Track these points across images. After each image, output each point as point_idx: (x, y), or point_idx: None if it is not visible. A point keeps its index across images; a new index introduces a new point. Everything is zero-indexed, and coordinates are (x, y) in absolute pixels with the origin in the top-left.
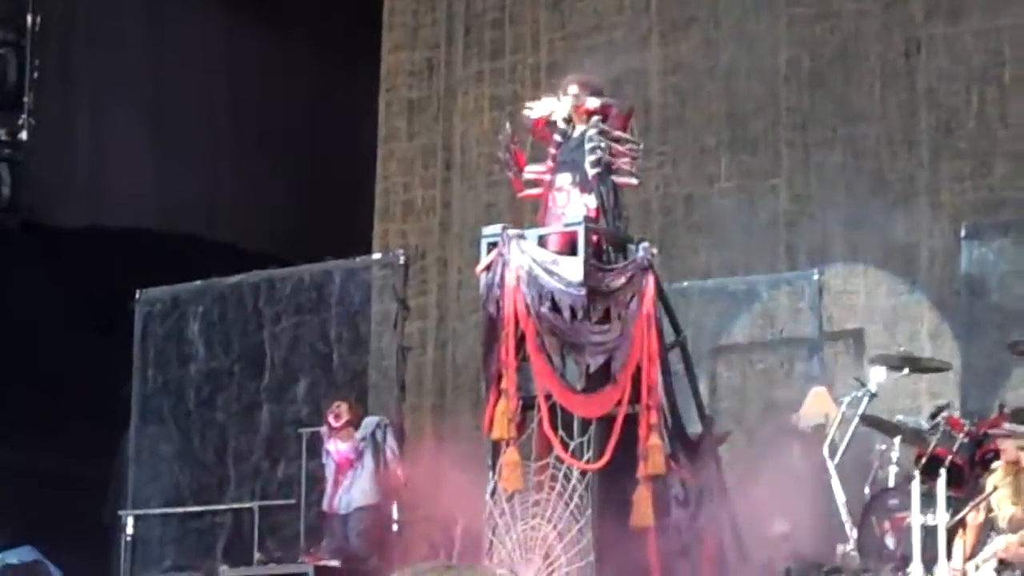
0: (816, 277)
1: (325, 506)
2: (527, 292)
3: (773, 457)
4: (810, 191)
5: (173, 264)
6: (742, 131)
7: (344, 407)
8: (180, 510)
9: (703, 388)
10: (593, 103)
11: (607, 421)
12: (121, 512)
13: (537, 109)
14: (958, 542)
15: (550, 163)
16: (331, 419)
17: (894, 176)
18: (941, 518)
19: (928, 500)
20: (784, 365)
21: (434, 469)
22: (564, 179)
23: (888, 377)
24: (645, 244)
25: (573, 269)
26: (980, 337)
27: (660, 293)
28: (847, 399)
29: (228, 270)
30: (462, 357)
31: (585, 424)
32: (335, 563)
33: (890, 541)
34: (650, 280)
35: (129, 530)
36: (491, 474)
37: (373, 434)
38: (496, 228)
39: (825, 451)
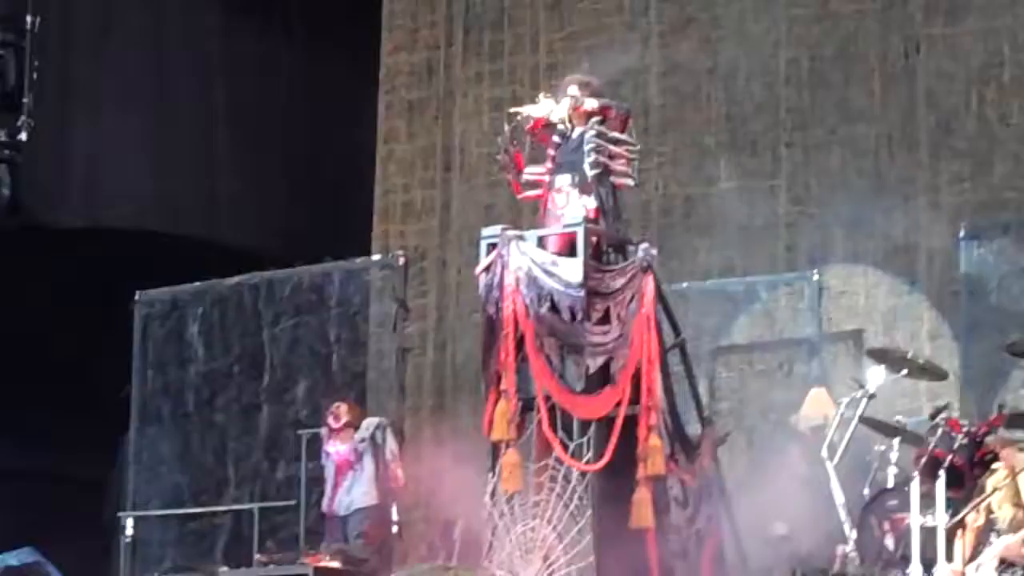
0: (815, 278)
1: (325, 507)
2: (526, 293)
3: (772, 458)
4: (810, 192)
5: (172, 265)
6: (741, 132)
7: (344, 408)
8: (180, 511)
9: (702, 389)
10: (592, 104)
11: (607, 422)
12: (121, 513)
13: (534, 110)
14: (958, 543)
15: (549, 164)
16: (331, 420)
17: (893, 176)
18: (940, 519)
19: (927, 501)
20: (783, 366)
21: (434, 470)
22: (563, 180)
23: (887, 378)
24: (644, 245)
25: (572, 270)
26: (980, 338)
27: (659, 294)
28: (846, 400)
29: (227, 271)
30: (461, 358)
31: (585, 425)
32: (335, 564)
33: (889, 542)
34: (649, 281)
35: (129, 531)
36: (491, 475)
37: (373, 435)
38: (495, 229)
39: (824, 452)
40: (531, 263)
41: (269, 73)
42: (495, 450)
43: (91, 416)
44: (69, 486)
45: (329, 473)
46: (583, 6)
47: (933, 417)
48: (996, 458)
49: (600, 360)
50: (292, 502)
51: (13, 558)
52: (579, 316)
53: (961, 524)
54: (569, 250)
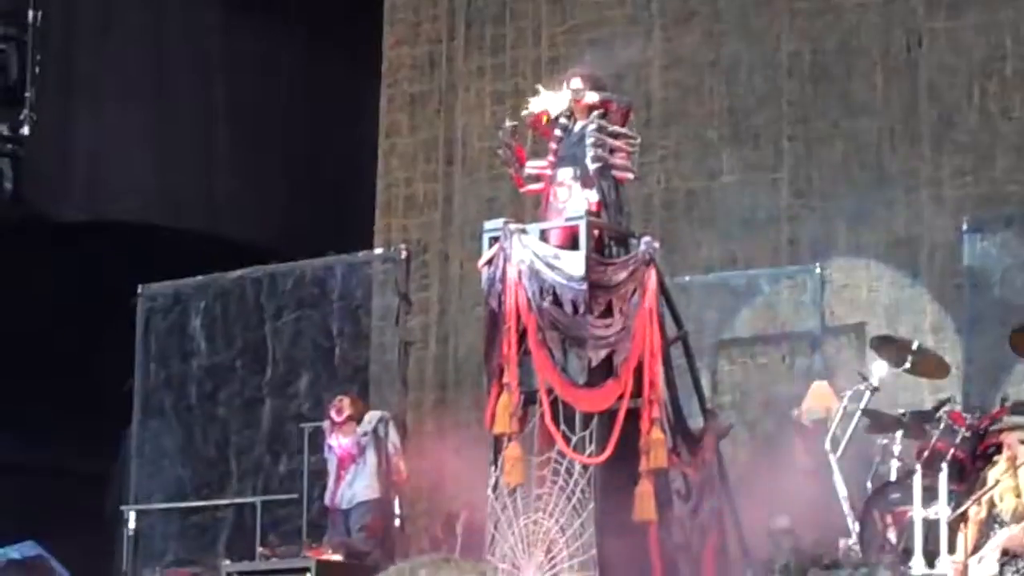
0: (818, 271)
1: (327, 501)
2: (529, 286)
3: (775, 451)
4: (812, 185)
5: (175, 259)
6: (744, 125)
7: (346, 402)
8: (182, 505)
9: (705, 382)
10: (592, 98)
11: (609, 415)
12: (123, 507)
13: (536, 104)
14: (960, 536)
15: (551, 158)
16: (333, 414)
17: (896, 170)
18: (943, 512)
19: (930, 494)
20: (786, 359)
21: (436, 464)
22: (565, 174)
23: (890, 371)
24: (647, 238)
25: (575, 263)
26: (982, 331)
27: (662, 287)
28: (849, 393)
29: (230, 265)
30: (464, 351)
31: (587, 418)
32: (337, 558)
33: (892, 535)
34: (652, 274)
35: (131, 525)
36: (493, 468)
37: (375, 429)
38: (498, 222)
39: (827, 445)
40: (533, 256)
41: (270, 67)
42: (497, 443)
43: (93, 410)
44: (71, 480)
45: (331, 467)
46: None
47: (936, 410)
48: (998, 450)
49: (602, 353)
50: (294, 496)
51: (15, 552)
52: (581, 309)
53: (963, 517)
54: (571, 243)
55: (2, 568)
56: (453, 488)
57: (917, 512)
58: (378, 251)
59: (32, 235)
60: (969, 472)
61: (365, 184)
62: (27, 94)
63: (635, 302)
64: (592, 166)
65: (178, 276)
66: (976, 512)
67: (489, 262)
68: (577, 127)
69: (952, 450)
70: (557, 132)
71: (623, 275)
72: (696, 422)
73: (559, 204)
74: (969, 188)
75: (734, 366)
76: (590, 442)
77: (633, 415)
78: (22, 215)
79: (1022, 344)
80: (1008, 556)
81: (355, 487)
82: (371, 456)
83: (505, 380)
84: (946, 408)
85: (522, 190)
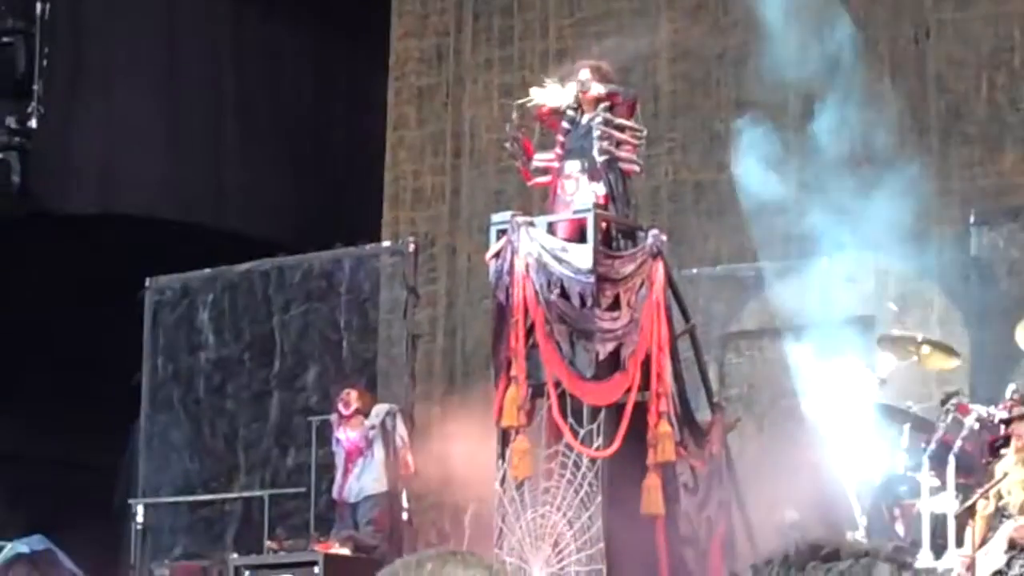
0: (825, 264)
1: (335, 494)
2: (536, 279)
3: (782, 444)
4: (819, 177)
5: (183, 252)
6: (751, 117)
7: (354, 395)
8: (190, 498)
9: (712, 375)
10: (599, 90)
11: (617, 408)
12: (131, 500)
13: (542, 96)
14: (968, 529)
15: (558, 151)
16: (341, 407)
17: (904, 161)
18: (950, 505)
19: (937, 487)
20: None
21: (444, 457)
22: (573, 167)
23: (897, 364)
24: (654, 231)
25: (582, 256)
26: (990, 323)
27: (669, 280)
28: (857, 386)
29: (238, 258)
30: (471, 344)
31: (595, 411)
32: (345, 551)
33: (900, 528)
34: (659, 267)
35: (139, 518)
36: (501, 462)
37: (383, 422)
38: (505, 215)
39: (835, 438)
40: (541, 249)
41: (278, 60)
42: (505, 436)
43: (102, 403)
44: (79, 473)
45: (339, 460)
46: None
47: (944, 403)
48: (1006, 443)
49: (610, 346)
50: (302, 489)
51: (24, 545)
52: (589, 302)
53: (971, 510)
54: (579, 236)
55: (11, 562)
56: (461, 481)
57: (924, 505)
58: (386, 244)
59: (40, 228)
60: (977, 465)
61: (373, 177)
62: (35, 87)
63: (643, 295)
64: (599, 159)
65: (186, 269)
66: (984, 506)
67: (497, 255)
68: (584, 120)
69: (960, 443)
70: (564, 125)
71: (631, 268)
72: (704, 415)
73: (566, 197)
74: (977, 180)
75: (742, 359)
76: (598, 435)
77: (641, 408)
78: (30, 208)
79: None
80: (1015, 549)
81: (363, 480)
82: (379, 449)
83: (513, 373)
84: (954, 400)
85: (530, 183)
